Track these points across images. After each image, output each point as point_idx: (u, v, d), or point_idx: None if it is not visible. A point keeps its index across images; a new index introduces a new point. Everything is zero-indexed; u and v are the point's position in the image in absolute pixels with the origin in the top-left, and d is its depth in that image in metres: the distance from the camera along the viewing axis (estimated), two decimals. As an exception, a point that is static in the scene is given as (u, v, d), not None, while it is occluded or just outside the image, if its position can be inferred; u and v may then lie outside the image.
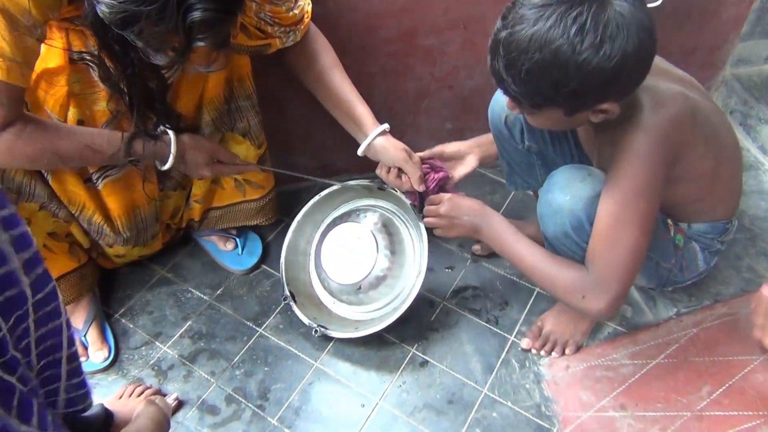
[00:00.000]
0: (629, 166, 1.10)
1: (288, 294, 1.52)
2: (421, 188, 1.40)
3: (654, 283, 1.39)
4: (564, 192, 1.18)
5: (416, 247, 1.52)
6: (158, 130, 1.26)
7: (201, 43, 0.98)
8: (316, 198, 1.61)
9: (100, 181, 1.32)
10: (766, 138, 1.89)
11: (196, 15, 0.92)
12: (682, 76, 1.22)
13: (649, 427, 1.31)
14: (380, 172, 1.46)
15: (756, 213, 1.73)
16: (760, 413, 1.29)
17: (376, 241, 1.48)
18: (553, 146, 1.40)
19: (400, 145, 1.41)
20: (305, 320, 1.48)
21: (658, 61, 1.11)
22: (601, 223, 1.13)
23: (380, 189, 1.55)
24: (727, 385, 1.35)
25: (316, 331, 1.46)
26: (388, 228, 1.53)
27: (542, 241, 1.56)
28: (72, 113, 1.19)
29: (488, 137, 1.49)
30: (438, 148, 1.47)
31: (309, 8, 1.37)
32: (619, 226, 1.11)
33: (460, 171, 1.48)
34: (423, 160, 1.44)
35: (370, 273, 1.45)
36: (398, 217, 1.57)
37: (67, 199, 1.32)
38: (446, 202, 1.34)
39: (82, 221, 1.38)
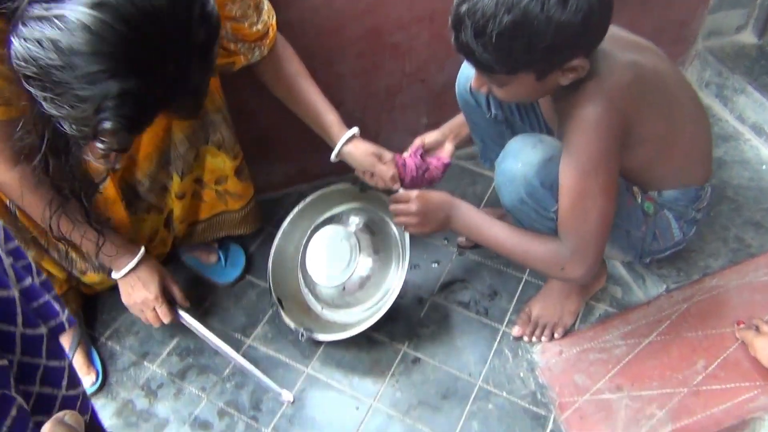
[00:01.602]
0: (582, 137, 1.11)
1: (275, 300, 1.50)
2: (396, 186, 1.40)
3: (631, 255, 1.38)
4: (516, 159, 1.19)
5: (400, 244, 1.51)
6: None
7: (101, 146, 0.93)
8: (302, 204, 1.61)
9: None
10: (743, 108, 1.88)
11: (107, 124, 0.87)
12: (638, 41, 1.21)
13: (647, 406, 1.30)
14: (358, 173, 1.46)
15: (739, 182, 1.72)
16: (757, 383, 1.28)
17: (359, 242, 1.46)
18: (520, 114, 1.42)
19: (369, 149, 1.42)
20: (291, 324, 1.46)
21: (614, 28, 1.10)
22: (565, 198, 1.15)
23: (362, 191, 1.54)
24: (722, 357, 1.34)
25: (302, 335, 1.44)
26: (371, 228, 1.51)
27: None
28: None
29: (459, 119, 1.51)
30: (417, 141, 1.48)
31: (273, 20, 1.35)
32: (584, 198, 1.13)
33: (442, 159, 1.49)
34: (400, 156, 1.44)
35: (353, 273, 1.43)
36: (383, 217, 1.56)
37: (33, 227, 1.29)
38: (415, 200, 1.32)
39: (51, 251, 1.36)
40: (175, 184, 1.42)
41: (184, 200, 1.47)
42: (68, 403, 0.74)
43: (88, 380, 1.45)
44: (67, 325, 0.86)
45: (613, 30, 1.09)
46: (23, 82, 0.85)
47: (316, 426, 1.37)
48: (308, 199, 1.61)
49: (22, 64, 0.82)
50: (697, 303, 1.44)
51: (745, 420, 1.25)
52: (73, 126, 0.88)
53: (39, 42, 0.80)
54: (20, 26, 0.81)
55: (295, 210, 1.60)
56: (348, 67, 1.67)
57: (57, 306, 0.79)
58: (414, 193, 1.33)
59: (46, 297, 0.77)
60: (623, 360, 1.38)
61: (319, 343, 1.50)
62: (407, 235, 1.44)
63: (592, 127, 1.09)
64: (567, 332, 1.47)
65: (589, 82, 1.09)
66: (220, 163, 1.45)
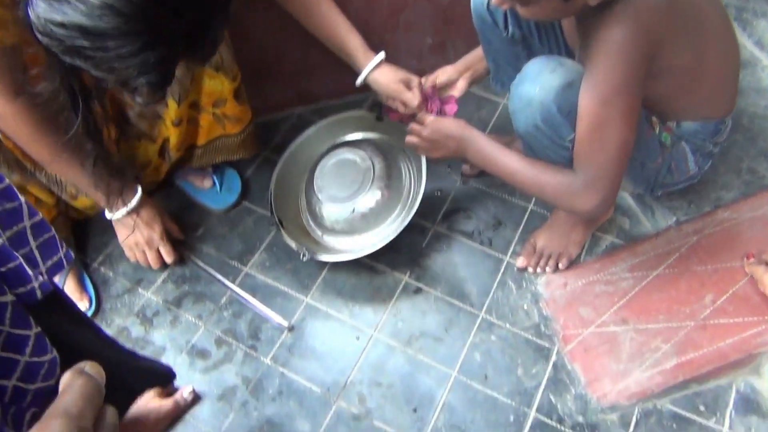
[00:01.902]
0: (606, 60, 1.03)
1: (276, 220, 1.44)
2: (421, 114, 1.36)
3: (642, 187, 1.33)
4: (534, 83, 1.12)
5: (413, 177, 1.47)
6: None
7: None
8: (312, 128, 1.56)
9: None
10: (763, 32, 1.79)
11: (141, 82, 0.85)
12: None
13: (652, 340, 1.28)
14: (382, 99, 1.43)
15: (755, 111, 1.65)
16: (766, 318, 1.26)
17: (373, 165, 1.41)
18: (539, 34, 1.33)
19: (397, 75, 1.36)
20: (292, 244, 1.41)
21: None
22: (583, 124, 1.09)
23: (378, 120, 1.49)
24: (730, 292, 1.31)
25: (303, 254, 1.38)
26: (384, 156, 1.46)
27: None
28: None
29: (475, 54, 1.44)
30: (430, 80, 1.42)
31: None
32: (602, 126, 1.07)
33: (454, 99, 1.45)
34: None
35: (365, 196, 1.39)
36: (395, 147, 1.52)
37: (18, 150, 1.23)
38: (429, 125, 1.30)
39: (39, 176, 1.29)
40: (172, 110, 1.34)
41: (181, 127, 1.40)
42: (31, 369, 0.70)
43: (81, 306, 1.41)
44: (65, 262, 0.82)
45: None
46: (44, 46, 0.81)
47: (316, 355, 1.35)
48: (320, 124, 1.55)
49: (47, 41, 0.78)
50: (707, 236, 1.40)
51: (752, 354, 1.24)
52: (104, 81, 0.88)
53: (62, 25, 0.75)
54: (37, 1, 0.76)
55: (306, 133, 1.55)
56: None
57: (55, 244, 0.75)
58: (429, 117, 1.30)
59: (28, 248, 0.73)
60: (629, 293, 1.35)
61: (318, 272, 1.46)
62: (424, 166, 1.41)
63: (618, 50, 1.02)
64: (572, 263, 1.43)
65: (619, 4, 1.00)
66: (218, 85, 1.37)
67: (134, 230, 1.38)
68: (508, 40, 1.34)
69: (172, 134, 1.41)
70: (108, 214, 1.36)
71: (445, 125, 1.30)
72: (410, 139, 1.34)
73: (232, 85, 1.39)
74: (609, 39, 1.02)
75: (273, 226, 1.42)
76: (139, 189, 1.35)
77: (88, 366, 0.50)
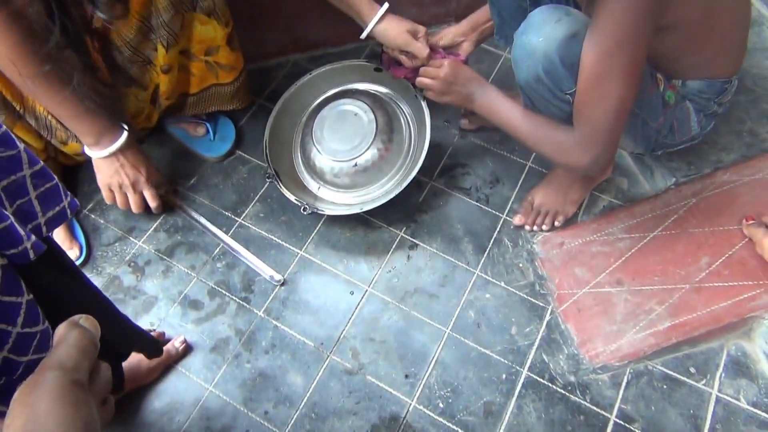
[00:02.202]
0: (612, 14, 0.99)
1: (273, 172, 1.41)
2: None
3: (642, 146, 1.31)
4: (538, 33, 1.09)
5: (413, 132, 1.44)
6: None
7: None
8: (307, 77, 1.50)
9: None
10: (773, -10, 1.75)
11: None
12: None
13: (647, 301, 1.28)
14: (388, 51, 1.39)
15: (759, 72, 1.62)
16: (761, 282, 1.26)
17: (375, 118, 1.38)
18: None
19: (404, 26, 1.31)
20: (292, 198, 1.38)
21: None
22: (583, 78, 1.06)
23: (376, 70, 1.45)
24: (727, 255, 1.31)
25: (304, 208, 1.36)
26: (385, 109, 1.43)
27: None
28: None
29: (480, 15, 1.40)
30: (434, 39, 1.38)
31: None
32: (602, 81, 1.04)
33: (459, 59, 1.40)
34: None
35: (368, 150, 1.36)
36: (394, 100, 1.49)
37: (5, 87, 1.18)
38: (447, 66, 1.28)
39: (28, 118, 1.25)
40: (160, 56, 1.30)
41: (171, 74, 1.35)
42: (24, 340, 0.68)
43: (71, 254, 1.39)
44: (68, 212, 0.80)
45: None
46: None
47: (310, 309, 1.34)
48: (315, 72, 1.50)
49: None
50: (705, 198, 1.39)
51: (745, 318, 1.24)
52: None
53: None
54: None
55: (300, 81, 1.50)
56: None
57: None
58: (447, 60, 1.30)
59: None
60: (626, 254, 1.35)
61: (313, 225, 1.44)
62: (428, 121, 1.38)
63: (626, 3, 0.98)
64: (568, 222, 1.42)
65: None
66: (210, 31, 1.32)
67: (119, 171, 1.34)
68: None
69: (162, 82, 1.36)
70: (90, 152, 1.31)
71: (464, 69, 1.29)
72: (423, 79, 1.32)
73: (225, 31, 1.34)
74: None
75: (269, 178, 1.39)
76: (126, 129, 1.31)
77: (83, 319, 0.49)
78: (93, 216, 1.48)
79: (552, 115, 1.17)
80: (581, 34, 1.05)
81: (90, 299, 0.91)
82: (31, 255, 0.67)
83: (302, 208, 1.36)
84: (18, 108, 1.24)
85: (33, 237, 0.68)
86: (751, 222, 1.31)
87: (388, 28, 1.31)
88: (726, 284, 1.28)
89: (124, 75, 1.32)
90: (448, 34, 1.39)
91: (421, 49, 1.31)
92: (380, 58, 1.42)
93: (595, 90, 1.05)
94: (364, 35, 1.33)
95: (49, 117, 1.27)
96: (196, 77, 1.41)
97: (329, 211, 1.38)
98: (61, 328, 0.48)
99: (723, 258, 1.31)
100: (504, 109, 1.24)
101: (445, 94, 1.31)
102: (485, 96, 1.26)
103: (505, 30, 1.39)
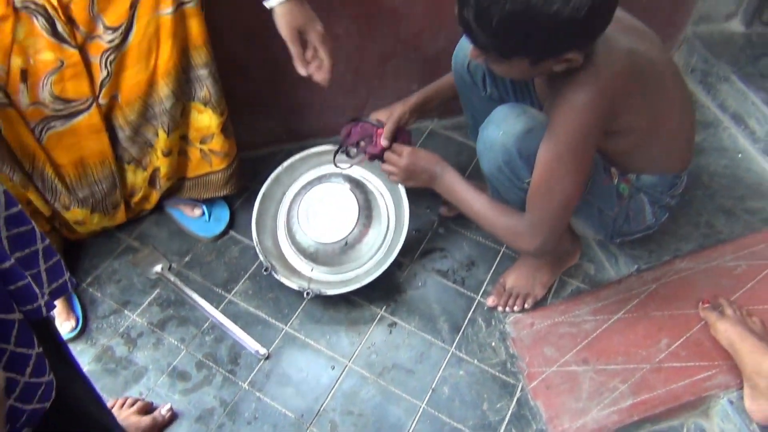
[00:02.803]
0: (566, 118, 1.13)
1: (270, 265, 1.50)
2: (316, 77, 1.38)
3: (602, 233, 1.42)
4: (498, 127, 1.22)
5: (390, 208, 1.56)
6: None
7: None
8: (286, 164, 1.62)
9: (43, 133, 1.30)
10: (726, 96, 1.92)
11: None
12: (637, 25, 1.22)
13: (610, 380, 1.36)
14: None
15: (715, 169, 1.77)
16: (716, 363, 1.35)
17: (356, 197, 1.50)
18: (515, 94, 1.43)
19: (297, 20, 1.28)
20: (294, 286, 1.47)
21: (618, 11, 1.12)
22: (537, 173, 1.19)
23: (335, 158, 1.55)
24: (684, 337, 1.40)
25: (307, 293, 1.45)
26: (361, 188, 1.55)
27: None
28: (15, 62, 1.19)
29: (430, 89, 1.53)
30: (393, 119, 1.47)
31: None
32: (552, 178, 1.17)
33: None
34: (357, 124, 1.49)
35: (354, 227, 1.48)
36: (367, 180, 1.60)
37: (18, 147, 1.30)
38: (407, 155, 1.40)
39: (36, 179, 1.36)
40: (161, 141, 1.43)
41: (171, 157, 1.48)
42: (30, 390, 0.75)
43: (67, 326, 1.47)
44: (69, 286, 0.88)
45: (617, 13, 1.11)
46: None
47: (292, 382, 1.41)
48: (290, 161, 1.62)
49: None
50: (665, 284, 1.49)
51: (702, 397, 1.32)
52: None
53: None
54: None
55: (277, 170, 1.61)
56: (343, 28, 1.66)
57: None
58: (407, 149, 1.41)
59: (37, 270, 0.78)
60: (591, 335, 1.43)
61: (298, 302, 1.53)
62: (406, 206, 1.50)
63: (577, 112, 1.11)
64: (538, 304, 1.52)
65: (586, 68, 1.10)
66: (206, 119, 1.45)
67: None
68: (486, 99, 1.44)
69: (162, 164, 1.49)
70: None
71: (422, 157, 1.40)
72: (386, 167, 1.44)
73: (220, 119, 1.47)
74: (571, 100, 1.11)
75: (266, 272, 1.49)
76: None
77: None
78: (91, 290, 1.57)
79: (514, 202, 1.29)
80: (536, 130, 1.19)
81: (71, 375, 0.97)
82: (44, 311, 0.76)
83: (305, 293, 1.45)
84: (27, 168, 1.34)
85: (46, 296, 0.77)
86: (706, 305, 1.40)
87: (284, 14, 1.27)
88: (684, 365, 1.36)
89: (126, 152, 1.44)
90: (397, 110, 1.47)
91: (298, 53, 1.30)
92: (346, 147, 1.51)
93: (545, 185, 1.18)
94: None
95: (56, 180, 1.38)
96: (193, 162, 1.54)
97: (330, 291, 1.47)
98: None
99: (681, 340, 1.40)
100: (462, 192, 1.35)
101: (408, 180, 1.43)
102: (445, 180, 1.37)
103: (478, 129, 1.53)
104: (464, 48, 1.41)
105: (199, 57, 1.38)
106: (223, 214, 1.70)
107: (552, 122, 1.15)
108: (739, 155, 1.81)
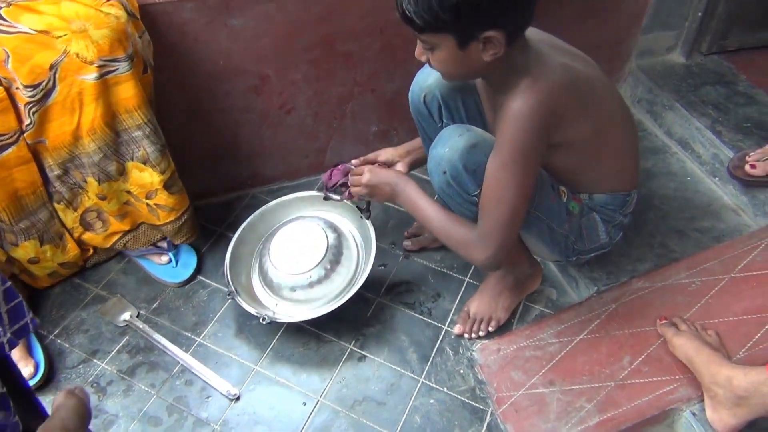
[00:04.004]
0: (508, 129, 1.19)
1: (233, 290, 1.52)
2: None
3: (556, 252, 1.47)
4: (444, 145, 1.29)
5: (361, 250, 1.62)
6: None
7: None
8: (262, 209, 1.68)
9: None
10: (671, 123, 2.01)
11: None
12: (573, 50, 1.30)
13: (577, 399, 1.39)
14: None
15: (666, 193, 1.84)
16: (677, 377, 1.39)
17: (326, 234, 1.54)
18: (469, 123, 1.48)
19: None
20: (252, 311, 1.49)
21: (553, 38, 1.23)
22: (486, 184, 1.24)
23: (325, 199, 1.59)
24: (645, 354, 1.44)
25: (263, 318, 1.47)
26: (333, 227, 1.59)
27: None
28: None
29: (417, 142, 1.60)
30: (372, 156, 1.57)
31: None
32: (499, 187, 1.23)
33: None
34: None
35: (321, 262, 1.51)
36: (342, 222, 1.66)
37: None
38: (367, 172, 1.47)
39: None
40: (93, 186, 1.46)
41: (111, 203, 1.52)
42: None
43: (26, 372, 1.44)
44: (30, 327, 0.89)
45: (552, 39, 1.21)
46: None
47: (264, 421, 1.41)
48: (269, 205, 1.67)
49: None
50: (624, 303, 1.54)
51: (666, 411, 1.35)
52: None
53: None
54: None
55: (255, 214, 1.66)
56: (301, 73, 1.72)
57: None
58: (368, 166, 1.49)
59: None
60: (556, 357, 1.47)
61: (268, 341, 1.54)
62: (373, 238, 1.55)
63: (518, 121, 1.17)
64: (504, 329, 1.55)
65: (523, 78, 1.17)
66: (147, 177, 1.49)
67: None
68: (442, 129, 1.50)
69: (102, 206, 1.52)
70: None
71: (381, 173, 1.47)
72: (354, 189, 1.50)
73: (162, 177, 1.51)
74: (512, 109, 1.17)
75: (230, 296, 1.51)
76: None
77: (77, 389, 0.59)
78: (59, 341, 1.56)
79: (464, 216, 1.34)
80: (480, 145, 1.25)
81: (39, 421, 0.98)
82: (7, 348, 0.77)
83: (261, 318, 1.47)
84: None
85: (9, 334, 0.78)
86: (663, 322, 1.45)
87: None
88: (646, 380, 1.40)
89: (56, 193, 1.47)
90: (385, 153, 1.58)
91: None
92: (325, 186, 1.57)
93: (492, 194, 1.24)
94: None
95: None
96: (142, 213, 1.58)
97: (285, 318, 1.49)
98: (60, 396, 0.57)
99: (642, 356, 1.44)
100: (421, 204, 1.40)
101: (372, 195, 1.48)
102: (405, 193, 1.42)
103: None
104: (419, 83, 1.48)
105: (132, 120, 1.41)
106: (190, 260, 1.72)
107: (497, 135, 1.22)
108: (688, 178, 1.89)
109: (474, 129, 1.29)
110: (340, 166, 1.54)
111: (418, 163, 1.59)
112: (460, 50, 1.14)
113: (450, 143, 1.27)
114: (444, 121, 1.49)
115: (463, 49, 1.14)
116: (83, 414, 0.57)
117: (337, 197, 1.55)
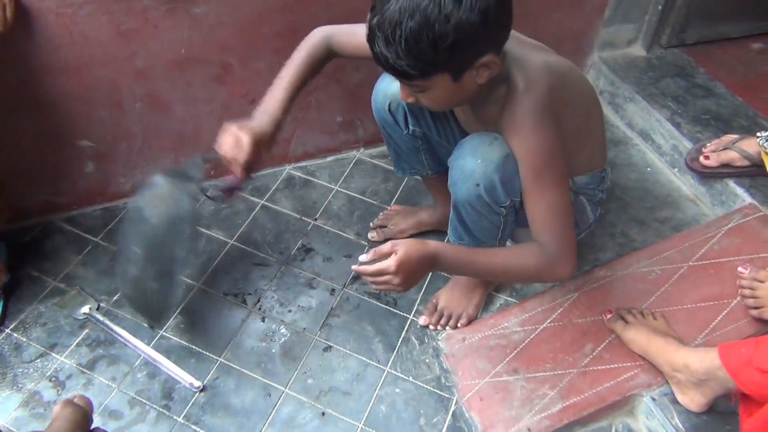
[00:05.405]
0: (529, 142, 1.18)
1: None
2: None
3: None
4: (475, 156, 1.24)
5: None
6: None
7: None
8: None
9: None
10: (632, 115, 2.05)
11: None
12: (537, 43, 1.30)
13: (540, 387, 1.40)
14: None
15: (626, 183, 1.87)
16: (637, 363, 1.41)
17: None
18: (437, 129, 1.48)
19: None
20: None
21: (516, 32, 1.19)
22: (530, 199, 1.22)
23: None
24: (607, 341, 1.46)
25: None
26: None
27: (435, 224, 1.65)
28: None
29: (271, 104, 1.43)
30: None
31: None
32: (544, 197, 1.20)
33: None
34: None
35: None
36: None
37: None
38: (396, 274, 1.12)
39: None
40: None
41: None
42: None
43: None
44: None
45: (516, 34, 1.18)
46: None
47: (229, 413, 1.40)
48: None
49: None
50: (586, 292, 1.56)
51: (627, 396, 1.38)
52: None
53: None
54: None
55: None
56: (265, 63, 1.70)
57: None
58: (392, 263, 1.11)
59: None
60: (520, 345, 1.48)
61: (232, 333, 1.53)
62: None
63: (537, 130, 1.17)
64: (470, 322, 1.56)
65: (515, 91, 1.16)
66: None
67: None
68: (409, 137, 1.49)
69: None
70: None
71: (411, 260, 1.13)
72: (384, 288, 1.18)
73: None
74: (525, 124, 1.17)
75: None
76: None
77: (77, 398, 0.57)
78: (15, 335, 1.52)
79: (483, 228, 1.32)
80: (511, 154, 1.22)
81: None
82: None
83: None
84: None
85: None
86: (609, 316, 1.48)
87: None
88: (608, 367, 1.42)
89: None
90: (235, 135, 1.35)
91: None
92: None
93: (544, 205, 1.21)
94: None
95: None
96: None
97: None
98: (57, 406, 0.56)
99: (604, 344, 1.46)
100: (468, 262, 1.23)
101: (410, 287, 1.18)
102: (446, 262, 1.19)
103: (402, 164, 1.59)
104: (382, 90, 1.45)
105: None
106: None
107: (515, 149, 1.20)
108: (648, 169, 1.93)
109: (499, 137, 1.24)
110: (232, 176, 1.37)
111: (280, 123, 1.41)
112: (454, 83, 1.11)
113: (480, 154, 1.23)
114: (411, 128, 1.47)
115: (458, 81, 1.11)
116: (81, 422, 0.55)
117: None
